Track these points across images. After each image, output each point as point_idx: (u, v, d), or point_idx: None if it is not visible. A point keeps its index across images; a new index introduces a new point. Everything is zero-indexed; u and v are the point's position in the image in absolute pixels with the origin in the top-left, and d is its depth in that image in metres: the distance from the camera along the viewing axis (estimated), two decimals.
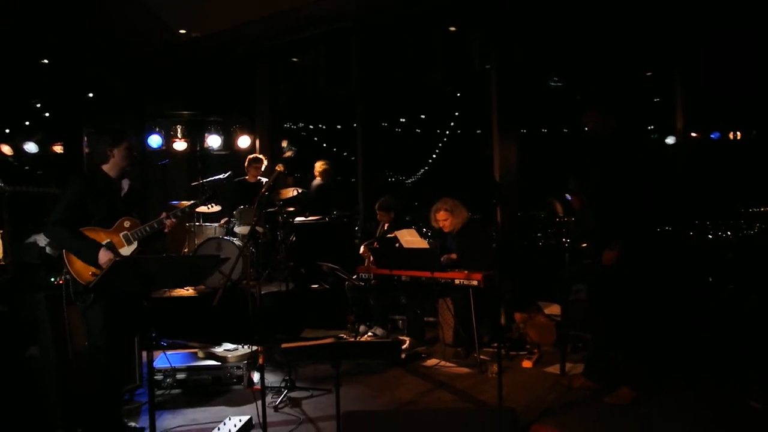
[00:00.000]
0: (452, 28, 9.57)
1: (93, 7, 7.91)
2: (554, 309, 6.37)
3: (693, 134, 10.65)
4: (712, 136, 11.60)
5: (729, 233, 9.35)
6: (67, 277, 3.86)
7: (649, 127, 11.68)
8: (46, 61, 8.90)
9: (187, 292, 6.84)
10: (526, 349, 6.02)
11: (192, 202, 4.34)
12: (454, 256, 6.00)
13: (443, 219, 6.19)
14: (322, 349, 3.12)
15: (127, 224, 3.87)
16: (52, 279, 4.38)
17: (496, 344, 5.69)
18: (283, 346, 3.15)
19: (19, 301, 4.35)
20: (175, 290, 6.84)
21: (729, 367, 4.78)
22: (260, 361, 3.76)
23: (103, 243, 3.77)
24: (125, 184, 4.03)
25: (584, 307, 5.76)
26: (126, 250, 3.85)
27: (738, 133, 11.27)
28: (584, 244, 6.01)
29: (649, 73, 10.73)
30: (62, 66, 8.71)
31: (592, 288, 5.18)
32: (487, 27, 9.05)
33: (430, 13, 8.87)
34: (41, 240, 4.47)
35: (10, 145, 8.46)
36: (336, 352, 3.10)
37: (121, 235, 3.83)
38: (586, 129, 5.25)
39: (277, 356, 5.07)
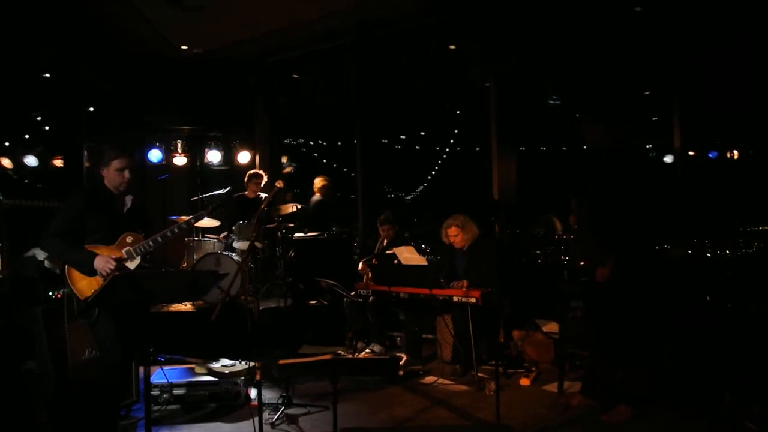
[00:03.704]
0: (452, 46, 9.62)
1: (96, 22, 7.98)
2: (552, 327, 6.36)
3: (690, 153, 10.71)
4: (709, 155, 11.67)
5: (727, 252, 9.36)
6: (68, 291, 3.84)
7: (647, 146, 11.76)
8: (47, 75, 8.93)
9: (185, 307, 6.84)
10: (524, 366, 6.00)
11: (198, 213, 4.28)
12: (465, 282, 5.93)
13: (454, 235, 6.20)
14: (320, 366, 3.12)
15: (129, 239, 3.85)
16: (51, 293, 4.37)
17: (494, 362, 5.67)
18: (281, 362, 3.15)
19: (16, 314, 4.34)
20: (173, 305, 6.84)
21: (726, 386, 4.77)
22: (258, 377, 3.75)
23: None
24: (128, 200, 4.01)
25: (582, 324, 5.75)
26: (130, 266, 3.84)
27: (735, 152, 11.33)
28: (582, 262, 6.04)
29: (647, 93, 10.80)
30: (63, 80, 8.73)
31: (589, 305, 5.19)
32: (487, 44, 9.12)
33: (429, 30, 8.95)
34: (40, 254, 4.48)
35: (9, 158, 8.48)
36: (334, 369, 3.11)
37: (123, 251, 3.82)
38: (585, 147, 5.28)
39: (275, 372, 5.06)
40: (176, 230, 3.96)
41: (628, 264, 4.56)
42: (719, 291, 6.32)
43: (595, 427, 4.45)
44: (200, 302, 6.82)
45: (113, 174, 3.87)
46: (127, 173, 3.90)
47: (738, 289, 6.34)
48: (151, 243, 3.89)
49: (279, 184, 4.60)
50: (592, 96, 10.23)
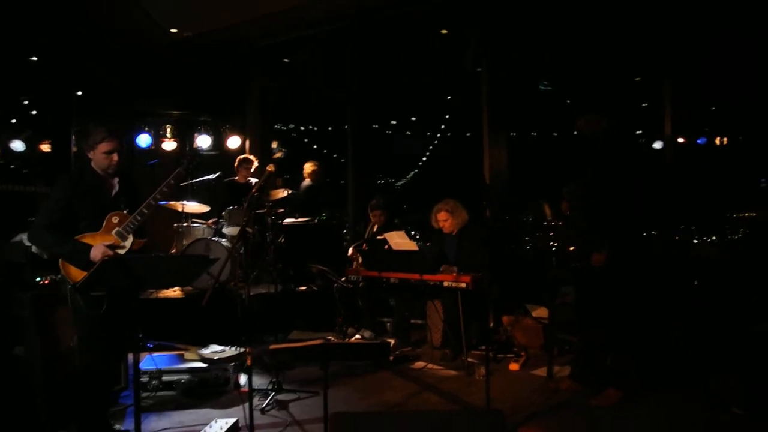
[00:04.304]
0: (444, 31, 9.57)
1: (84, 5, 7.87)
2: (541, 312, 6.39)
3: (680, 139, 10.75)
4: (698, 141, 11.70)
5: (714, 238, 9.42)
6: (55, 277, 3.80)
7: (637, 132, 11.79)
8: (35, 58, 8.82)
9: (174, 293, 6.81)
10: (514, 351, 6.04)
11: (175, 172, 4.09)
12: (455, 268, 5.93)
13: (444, 219, 6.19)
14: (311, 350, 3.10)
15: (115, 220, 3.76)
16: (38, 279, 4.34)
17: (483, 347, 5.71)
18: (272, 347, 3.13)
19: (4, 300, 4.30)
20: (162, 291, 6.81)
21: (712, 371, 4.81)
22: (248, 362, 3.74)
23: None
24: (116, 182, 3.94)
25: (571, 309, 5.78)
26: (124, 245, 3.77)
27: (725, 139, 11.38)
28: (572, 247, 6.05)
29: (637, 79, 10.82)
30: (51, 63, 8.63)
31: (579, 290, 5.21)
32: (479, 30, 9.07)
33: (421, 16, 8.88)
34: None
35: None
36: (324, 354, 3.10)
37: (113, 233, 3.75)
38: (576, 132, 5.28)
39: (266, 357, 5.05)
40: (158, 197, 3.87)
41: (622, 249, 4.58)
42: (706, 276, 6.36)
43: (584, 411, 4.48)
44: (190, 288, 6.80)
45: (100, 157, 3.80)
46: (115, 156, 3.82)
47: (724, 275, 6.38)
48: (138, 217, 3.79)
49: (270, 168, 4.57)
50: (583, 82, 10.24)
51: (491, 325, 6.36)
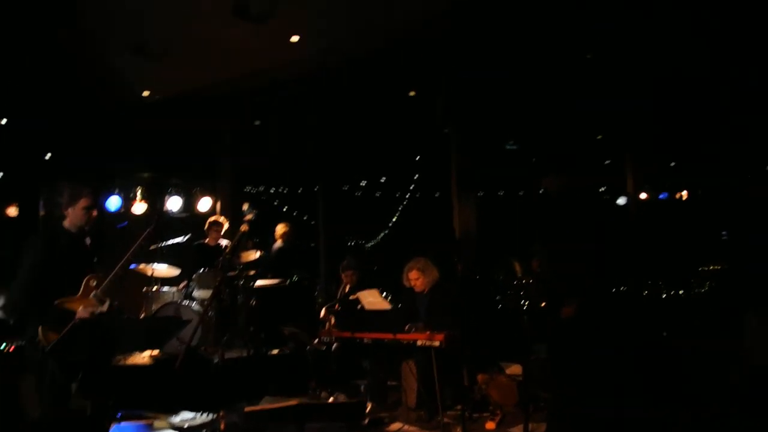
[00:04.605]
0: (412, 93, 9.83)
1: (55, 65, 7.91)
2: (515, 369, 6.37)
3: (643, 195, 11.06)
4: (660, 196, 12.03)
5: (681, 292, 9.61)
6: (21, 344, 3.71)
7: (601, 189, 12.10)
8: (3, 122, 8.79)
9: (143, 360, 6.64)
10: (489, 410, 5.97)
11: (146, 231, 4.13)
12: (420, 325, 5.92)
13: (415, 278, 6.20)
14: (287, 411, 3.07)
15: (93, 283, 3.72)
16: (2, 347, 4.22)
17: (459, 406, 5.66)
18: (247, 409, 3.09)
19: None
20: (131, 358, 6.64)
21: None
22: (221, 427, 3.66)
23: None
24: (89, 242, 3.91)
25: (545, 365, 5.80)
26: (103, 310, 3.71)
27: (685, 193, 11.70)
28: (543, 303, 6.12)
29: (599, 137, 11.16)
30: (19, 126, 8.61)
31: (552, 345, 5.25)
32: (446, 92, 9.34)
33: (391, 78, 9.13)
34: None
35: None
36: (300, 414, 3.06)
37: (92, 296, 3.69)
38: (541, 191, 5.42)
39: (239, 422, 4.94)
40: (131, 258, 3.86)
41: (591, 303, 4.66)
42: (675, 328, 6.47)
43: None
44: (158, 354, 6.64)
45: (80, 213, 3.79)
46: (94, 212, 3.85)
47: (692, 326, 6.51)
48: (114, 280, 3.74)
49: (243, 228, 4.59)
50: (548, 141, 10.55)
51: (466, 383, 6.31)
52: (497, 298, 9.05)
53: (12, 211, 8.65)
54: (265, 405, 3.69)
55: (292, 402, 3.05)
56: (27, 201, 8.66)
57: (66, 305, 3.61)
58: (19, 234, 8.19)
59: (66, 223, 3.84)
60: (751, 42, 7.22)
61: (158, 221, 4.32)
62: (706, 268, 10.44)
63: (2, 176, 9.07)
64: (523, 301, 7.68)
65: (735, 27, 6.97)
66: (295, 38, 7.65)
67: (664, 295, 9.19)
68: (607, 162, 11.84)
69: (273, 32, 7.34)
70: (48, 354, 3.56)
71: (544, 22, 7.34)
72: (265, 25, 7.05)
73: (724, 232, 11.61)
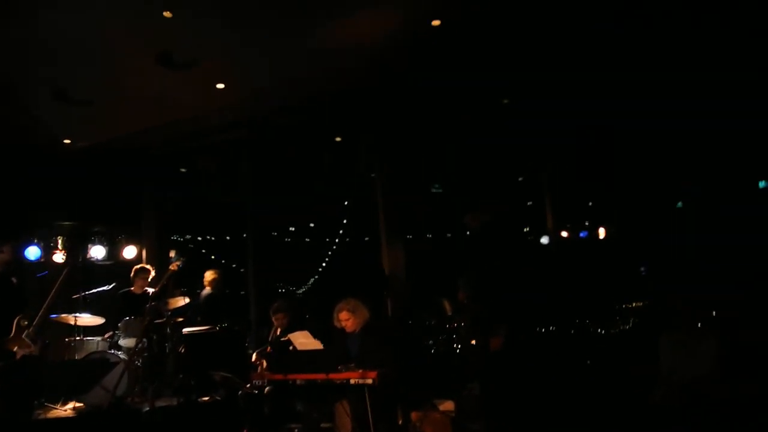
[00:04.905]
0: (338, 138, 10.02)
1: None
2: (448, 405, 6.47)
3: (564, 234, 11.51)
4: (581, 234, 12.50)
5: (607, 330, 9.98)
6: None
7: (525, 229, 12.51)
8: None
9: (65, 413, 6.36)
10: None
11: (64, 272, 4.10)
12: (352, 365, 5.94)
13: (345, 319, 6.24)
14: None
15: (24, 323, 3.67)
16: None
17: None
18: None
19: None
20: (52, 411, 6.35)
21: None
22: None
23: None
24: (14, 279, 3.85)
25: (477, 400, 5.91)
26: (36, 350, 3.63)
27: (602, 231, 12.19)
28: (473, 341, 6.27)
29: (520, 179, 11.61)
30: None
31: (483, 379, 5.38)
32: (372, 137, 9.57)
33: (317, 124, 9.30)
34: None
35: None
36: None
37: (24, 336, 3.62)
38: (468, 232, 5.63)
39: None
40: (54, 299, 3.83)
41: (518, 335, 4.84)
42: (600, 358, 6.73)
43: None
44: (82, 406, 6.39)
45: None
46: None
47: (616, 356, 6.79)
48: (41, 319, 3.71)
49: (173, 267, 4.55)
50: (472, 183, 10.90)
51: (400, 421, 6.35)
52: (430, 342, 9.17)
53: None
54: None
55: None
56: None
57: (6, 346, 3.54)
58: None
59: None
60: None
61: (74, 264, 4.30)
62: (630, 305, 10.86)
63: None
64: (455, 344, 7.84)
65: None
66: (220, 86, 7.74)
67: (591, 332, 9.52)
68: (529, 203, 12.29)
69: (197, 80, 7.43)
70: None
71: (460, 69, 7.68)
72: (189, 73, 7.14)
73: (642, 268, 12.11)
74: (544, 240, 11.81)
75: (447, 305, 8.28)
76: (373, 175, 10.16)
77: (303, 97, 8.36)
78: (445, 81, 7.91)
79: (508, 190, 11.40)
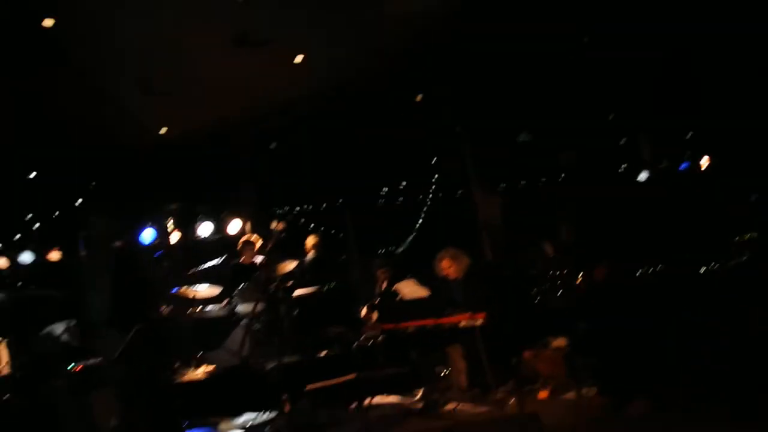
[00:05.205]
0: (419, 97, 9.99)
1: (75, 117, 8.22)
2: (560, 342, 6.45)
3: (661, 166, 11.08)
4: (681, 166, 11.99)
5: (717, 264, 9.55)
6: (90, 363, 3.92)
7: (621, 167, 12.11)
8: (33, 175, 9.13)
9: (197, 375, 6.83)
10: (540, 383, 6.07)
11: None
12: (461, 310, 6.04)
13: (447, 267, 6.34)
14: (346, 386, 3.22)
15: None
16: (71, 366, 4.44)
17: (510, 381, 5.79)
18: (308, 387, 3.24)
19: (39, 392, 4.39)
20: (186, 376, 6.83)
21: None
22: (286, 408, 3.81)
23: None
24: None
25: (587, 334, 5.89)
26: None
27: (707, 160, 11.60)
28: (579, 277, 6.22)
29: (611, 116, 11.21)
30: (50, 176, 8.96)
31: (592, 312, 5.35)
32: (451, 91, 9.50)
33: (398, 85, 9.31)
34: (58, 328, 4.56)
35: (6, 257, 8.61)
36: (359, 387, 3.21)
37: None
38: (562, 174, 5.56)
39: (304, 403, 5.05)
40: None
41: (622, 267, 4.78)
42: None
43: (616, 423, 4.54)
44: (212, 369, 6.83)
45: None
46: None
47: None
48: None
49: (279, 226, 4.74)
50: (561, 125, 10.62)
51: (513, 361, 6.41)
52: (534, 283, 9.11)
53: (54, 256, 8.97)
54: (325, 382, 3.82)
55: (350, 376, 3.20)
56: (67, 245, 9.00)
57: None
58: (64, 275, 8.54)
59: None
60: None
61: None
62: (744, 238, 10.28)
63: (40, 225, 9.41)
64: (560, 282, 7.76)
65: None
66: (299, 58, 7.86)
67: (702, 270, 9.14)
68: (622, 142, 11.88)
69: (275, 57, 7.58)
70: (115, 363, 3.78)
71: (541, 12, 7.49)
72: (267, 50, 7.30)
73: (754, 195, 11.42)
74: (643, 176, 11.43)
75: (549, 247, 8.21)
76: (458, 128, 10.12)
77: (382, 60, 8.37)
78: (524, 22, 7.73)
79: (599, 129, 11.05)
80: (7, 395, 4.59)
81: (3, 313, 6.23)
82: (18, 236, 9.23)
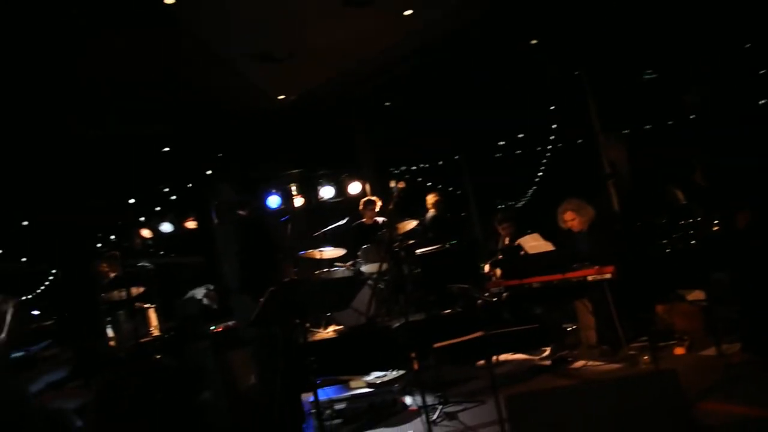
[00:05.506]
0: (533, 41, 9.59)
1: (199, 90, 8.61)
2: (697, 294, 6.13)
3: None
4: None
5: None
6: (229, 325, 4.17)
7: (761, 101, 11.13)
8: (167, 149, 9.71)
9: (327, 334, 7.12)
10: (675, 338, 5.80)
11: None
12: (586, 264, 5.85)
13: (571, 219, 6.16)
14: (474, 343, 3.22)
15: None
16: (212, 327, 4.75)
17: (642, 338, 5.58)
18: (436, 345, 3.28)
19: (185, 352, 4.74)
20: (318, 335, 7.14)
21: None
22: (414, 366, 3.88)
23: None
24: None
25: (728, 285, 5.54)
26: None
27: None
28: (715, 224, 5.83)
29: (748, 45, 10.28)
30: (181, 150, 9.50)
31: (733, 260, 5.02)
32: (567, 34, 9.06)
33: (510, 32, 9.00)
34: (199, 293, 4.88)
35: (149, 228, 9.31)
36: (486, 344, 3.20)
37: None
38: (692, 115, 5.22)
39: (432, 360, 5.14)
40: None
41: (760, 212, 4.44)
42: None
43: (761, 381, 4.28)
44: (341, 328, 7.09)
45: None
46: None
47: None
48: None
49: (401, 185, 4.78)
50: (691, 58, 9.87)
51: (646, 315, 6.16)
52: (666, 233, 8.66)
53: (191, 225, 9.60)
54: (452, 340, 3.85)
55: (478, 333, 3.20)
56: (201, 214, 9.59)
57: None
58: (201, 242, 9.12)
59: None
60: None
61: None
62: None
63: (176, 197, 10.08)
64: (694, 230, 7.32)
65: None
66: (407, 12, 7.76)
67: None
68: (761, 72, 10.89)
69: (383, 13, 7.51)
70: (252, 324, 4.00)
71: None
72: (375, 6, 7.24)
73: None
74: None
75: (679, 194, 7.75)
76: (576, 72, 9.68)
77: (494, 6, 8.10)
78: None
79: (733, 59, 10.18)
80: (159, 355, 5.04)
81: (151, 280, 6.71)
82: (158, 208, 9.95)
